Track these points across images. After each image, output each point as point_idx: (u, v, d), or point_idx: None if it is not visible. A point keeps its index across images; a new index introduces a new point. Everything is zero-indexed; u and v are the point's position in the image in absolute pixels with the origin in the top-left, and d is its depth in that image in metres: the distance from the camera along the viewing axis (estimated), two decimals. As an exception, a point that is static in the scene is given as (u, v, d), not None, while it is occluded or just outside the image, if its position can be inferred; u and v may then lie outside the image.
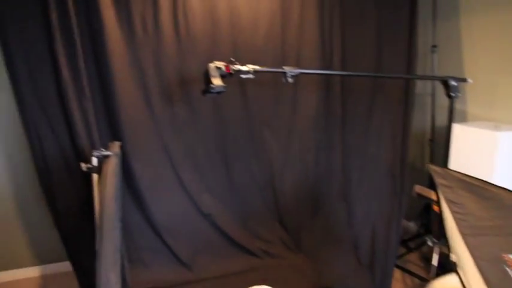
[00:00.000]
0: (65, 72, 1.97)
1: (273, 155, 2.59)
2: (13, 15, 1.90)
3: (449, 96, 2.04)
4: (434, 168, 1.63)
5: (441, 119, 2.68)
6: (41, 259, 2.73)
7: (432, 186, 2.74)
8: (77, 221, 2.15)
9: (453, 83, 2.01)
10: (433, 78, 2.73)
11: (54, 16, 1.90)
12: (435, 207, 2.40)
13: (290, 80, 1.88)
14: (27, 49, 1.95)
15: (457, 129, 2.16)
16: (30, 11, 1.92)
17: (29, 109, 2.01)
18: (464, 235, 1.35)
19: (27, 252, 2.69)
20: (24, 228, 2.65)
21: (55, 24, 1.91)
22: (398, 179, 2.41)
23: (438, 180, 1.55)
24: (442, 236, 2.09)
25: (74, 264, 2.21)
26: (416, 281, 2.60)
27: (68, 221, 2.16)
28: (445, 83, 2.04)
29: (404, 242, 3.06)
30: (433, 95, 2.74)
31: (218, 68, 1.81)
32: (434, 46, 2.65)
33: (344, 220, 2.55)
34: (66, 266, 2.26)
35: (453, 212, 1.40)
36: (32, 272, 2.72)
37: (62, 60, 1.96)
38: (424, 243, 2.82)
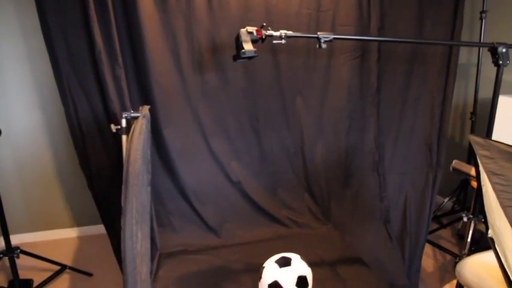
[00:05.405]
0: (99, 39, 1.98)
1: (305, 124, 2.53)
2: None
3: (497, 65, 1.89)
4: (475, 139, 1.53)
5: (485, 92, 2.53)
6: (78, 221, 2.87)
7: (471, 160, 2.68)
8: (108, 183, 2.21)
9: (503, 49, 1.85)
10: (480, 44, 2.56)
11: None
12: (473, 183, 2.30)
13: (323, 45, 1.80)
14: (63, 17, 1.98)
15: (503, 101, 2.00)
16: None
17: (63, 74, 2.05)
18: (505, 207, 1.27)
19: (65, 214, 2.84)
20: (62, 191, 2.78)
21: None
22: (434, 152, 2.32)
23: (479, 151, 1.46)
24: (478, 212, 2.00)
25: (106, 225, 2.27)
26: (448, 257, 2.54)
27: (100, 182, 2.22)
28: (494, 50, 1.88)
29: (437, 218, 2.99)
30: (478, 65, 2.58)
31: (249, 33, 1.76)
32: (483, 12, 2.46)
33: (375, 192, 2.48)
34: (102, 229, 2.36)
35: (494, 184, 1.31)
36: (70, 233, 2.87)
37: (96, 27, 1.96)
38: (458, 219, 2.75)
